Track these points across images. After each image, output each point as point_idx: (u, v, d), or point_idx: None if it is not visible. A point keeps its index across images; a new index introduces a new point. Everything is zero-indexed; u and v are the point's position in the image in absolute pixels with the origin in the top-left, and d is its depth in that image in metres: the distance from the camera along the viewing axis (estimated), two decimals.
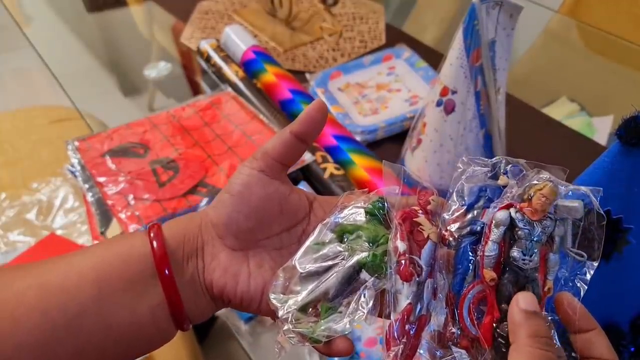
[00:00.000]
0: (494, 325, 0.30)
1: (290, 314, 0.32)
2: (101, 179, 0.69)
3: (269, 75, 0.87)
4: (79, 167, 0.72)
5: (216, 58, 0.94)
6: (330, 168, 0.71)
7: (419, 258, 0.31)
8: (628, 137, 0.41)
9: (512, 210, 0.31)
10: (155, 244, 0.33)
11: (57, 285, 0.32)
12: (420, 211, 0.33)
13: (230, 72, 0.91)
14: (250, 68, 0.90)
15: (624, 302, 0.50)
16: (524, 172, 0.32)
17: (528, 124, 0.85)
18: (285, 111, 0.83)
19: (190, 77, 1.08)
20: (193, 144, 0.76)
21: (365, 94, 0.91)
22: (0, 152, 0.95)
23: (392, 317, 0.30)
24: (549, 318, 0.30)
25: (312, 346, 0.32)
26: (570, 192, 0.31)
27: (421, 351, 0.31)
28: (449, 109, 0.62)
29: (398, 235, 0.32)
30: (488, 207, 0.32)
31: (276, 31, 1.09)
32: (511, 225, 0.31)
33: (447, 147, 0.65)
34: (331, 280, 0.33)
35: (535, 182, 0.31)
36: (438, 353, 0.31)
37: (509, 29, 0.60)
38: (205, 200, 0.66)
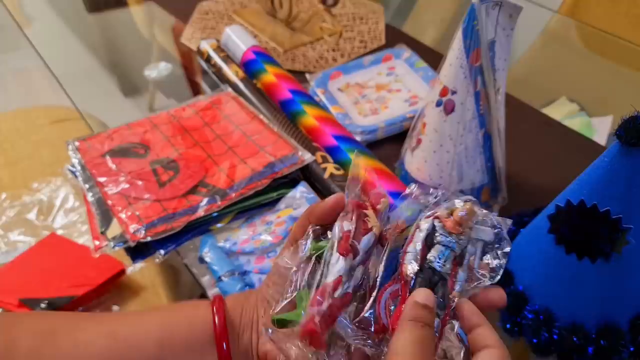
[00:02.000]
0: None
1: (273, 323, 0.35)
2: (102, 179, 0.69)
3: (269, 75, 0.87)
4: (79, 167, 0.72)
5: (216, 58, 0.94)
6: (330, 168, 0.71)
7: (359, 243, 0.36)
8: (627, 137, 0.41)
9: (435, 220, 0.37)
10: (217, 319, 0.37)
11: (125, 337, 0.35)
12: (371, 208, 0.39)
13: (230, 72, 0.91)
14: (250, 68, 0.90)
15: (623, 302, 0.50)
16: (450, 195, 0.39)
17: (528, 124, 0.85)
18: (285, 111, 0.83)
19: (190, 78, 1.08)
20: (193, 144, 0.76)
21: (365, 94, 0.91)
22: (0, 152, 0.95)
23: (321, 283, 0.34)
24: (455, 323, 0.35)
25: (303, 338, 0.34)
26: (486, 219, 0.37)
27: (338, 324, 0.34)
28: (449, 109, 0.63)
29: (347, 217, 0.37)
30: None
31: (276, 31, 1.09)
32: (432, 232, 0.37)
33: (446, 147, 0.65)
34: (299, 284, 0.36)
35: (458, 200, 0.38)
36: (350, 330, 0.34)
37: (509, 29, 0.60)
38: (205, 200, 0.66)
